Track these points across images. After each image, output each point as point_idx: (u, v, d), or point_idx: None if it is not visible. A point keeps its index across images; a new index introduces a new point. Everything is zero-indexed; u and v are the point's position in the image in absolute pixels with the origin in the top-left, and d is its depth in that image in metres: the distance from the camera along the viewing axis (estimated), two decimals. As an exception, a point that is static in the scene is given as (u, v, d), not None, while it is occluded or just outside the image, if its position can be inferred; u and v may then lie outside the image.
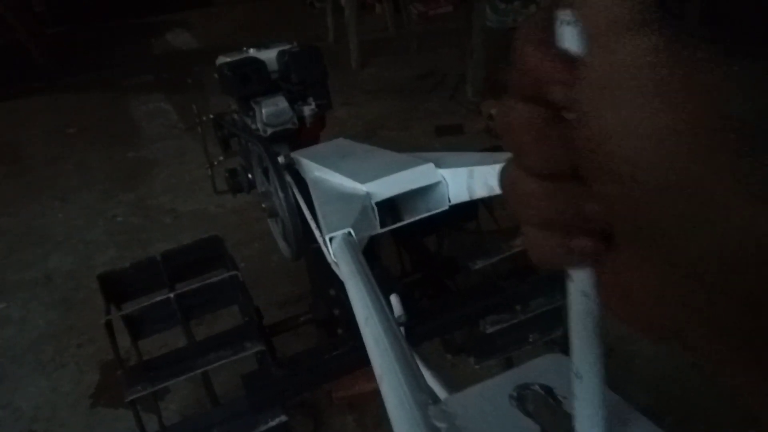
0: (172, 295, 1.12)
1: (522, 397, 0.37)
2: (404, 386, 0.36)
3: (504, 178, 0.27)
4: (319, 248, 1.24)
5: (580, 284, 0.29)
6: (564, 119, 0.23)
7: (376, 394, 1.46)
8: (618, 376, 1.65)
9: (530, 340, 1.44)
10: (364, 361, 1.26)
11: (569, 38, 0.22)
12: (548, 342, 1.79)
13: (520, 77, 0.24)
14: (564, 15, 0.23)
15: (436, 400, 0.36)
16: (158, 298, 1.13)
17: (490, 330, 1.30)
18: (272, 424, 1.08)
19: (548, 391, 0.37)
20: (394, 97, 3.90)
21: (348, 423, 1.61)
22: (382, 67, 4.48)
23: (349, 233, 0.71)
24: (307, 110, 1.51)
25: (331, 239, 0.71)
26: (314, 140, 1.57)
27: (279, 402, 1.08)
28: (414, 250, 1.57)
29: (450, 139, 3.25)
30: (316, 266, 1.44)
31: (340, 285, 1.40)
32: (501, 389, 0.37)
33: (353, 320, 1.29)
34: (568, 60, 0.22)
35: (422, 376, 0.37)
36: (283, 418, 1.09)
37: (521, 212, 0.26)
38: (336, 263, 0.79)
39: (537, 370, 0.39)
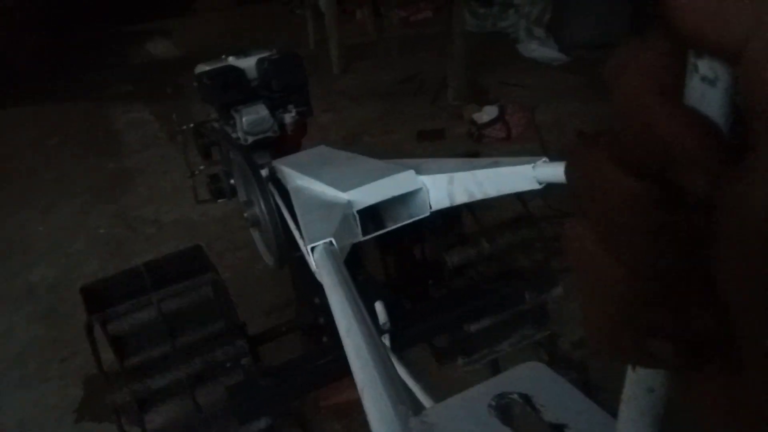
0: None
1: (501, 407, 0.37)
2: (385, 399, 0.35)
3: (570, 241, 0.19)
4: (302, 256, 1.24)
5: (646, 378, 0.22)
6: (692, 207, 0.16)
7: (364, 400, 1.44)
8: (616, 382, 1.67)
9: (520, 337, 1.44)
10: (350, 369, 1.26)
11: (713, 102, 0.15)
12: (536, 343, 1.80)
13: (633, 140, 0.17)
14: (703, 66, 0.15)
15: (417, 411, 0.36)
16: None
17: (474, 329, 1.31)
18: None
19: (527, 399, 0.37)
20: (376, 102, 3.91)
21: (335, 431, 1.61)
22: (363, 73, 4.49)
23: (331, 243, 0.71)
24: (288, 117, 1.51)
25: (312, 249, 0.71)
26: (296, 147, 1.57)
27: (265, 412, 1.07)
28: (398, 255, 1.57)
29: (432, 144, 3.27)
30: (300, 274, 1.43)
31: (324, 293, 1.41)
32: (480, 399, 0.37)
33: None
34: (715, 133, 0.16)
35: (404, 387, 0.37)
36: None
37: (584, 285, 0.19)
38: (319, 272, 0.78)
39: (517, 378, 0.40)
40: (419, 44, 4.84)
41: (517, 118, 3.16)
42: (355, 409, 1.63)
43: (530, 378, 0.39)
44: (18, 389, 1.94)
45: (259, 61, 1.52)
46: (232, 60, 1.54)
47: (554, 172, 0.71)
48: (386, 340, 1.17)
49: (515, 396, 0.37)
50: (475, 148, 3.07)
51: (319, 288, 1.34)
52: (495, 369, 1.68)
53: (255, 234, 1.37)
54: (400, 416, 0.34)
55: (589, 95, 3.70)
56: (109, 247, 2.65)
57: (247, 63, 1.52)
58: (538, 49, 4.28)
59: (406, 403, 0.35)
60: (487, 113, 3.17)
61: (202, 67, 1.54)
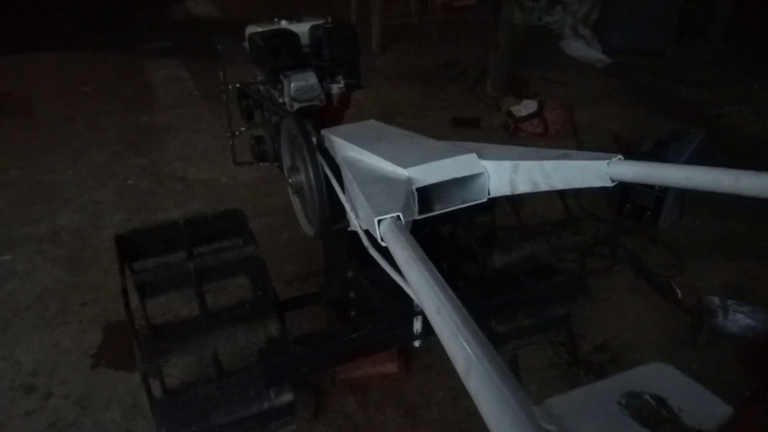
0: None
1: (633, 405, 0.35)
2: (499, 384, 0.33)
3: None
4: (340, 229, 1.23)
5: None
6: None
7: (380, 378, 1.44)
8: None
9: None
10: (382, 345, 1.25)
11: None
12: (557, 343, 1.79)
13: None
14: None
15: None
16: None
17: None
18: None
19: (660, 401, 0.36)
20: (413, 84, 3.88)
21: (349, 405, 1.60)
22: (402, 54, 4.45)
23: (399, 217, 0.69)
24: (336, 88, 1.49)
25: (379, 222, 0.69)
26: (338, 119, 1.55)
27: (292, 378, 1.07)
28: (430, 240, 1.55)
29: (466, 132, 3.23)
30: (335, 247, 1.42)
31: (357, 267, 1.39)
32: (608, 395, 0.36)
33: (368, 303, 1.28)
34: None
35: (511, 372, 0.35)
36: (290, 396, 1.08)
37: None
38: (372, 247, 0.77)
39: (643, 378, 0.38)
40: (461, 31, 4.78)
41: (555, 115, 3.12)
42: (371, 386, 1.63)
43: (659, 379, 0.38)
44: (36, 330, 1.95)
45: (313, 28, 1.49)
46: (285, 24, 1.52)
47: (631, 170, 0.70)
48: (418, 322, 1.16)
49: (647, 397, 0.36)
50: (511, 140, 3.04)
51: (353, 262, 1.34)
52: (515, 365, 1.67)
53: (295, 201, 1.36)
54: (521, 404, 0.32)
55: (628, 100, 3.64)
56: (136, 199, 2.65)
57: (300, 29, 1.50)
58: (583, 49, 4.21)
59: (523, 390, 0.33)
60: (526, 107, 3.14)
61: (254, 28, 1.51)
